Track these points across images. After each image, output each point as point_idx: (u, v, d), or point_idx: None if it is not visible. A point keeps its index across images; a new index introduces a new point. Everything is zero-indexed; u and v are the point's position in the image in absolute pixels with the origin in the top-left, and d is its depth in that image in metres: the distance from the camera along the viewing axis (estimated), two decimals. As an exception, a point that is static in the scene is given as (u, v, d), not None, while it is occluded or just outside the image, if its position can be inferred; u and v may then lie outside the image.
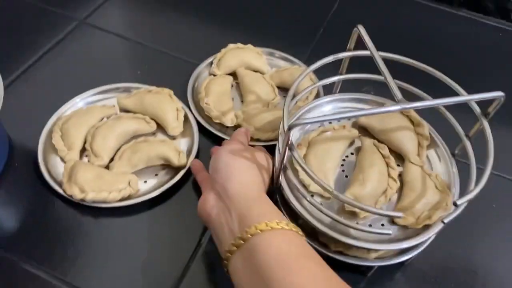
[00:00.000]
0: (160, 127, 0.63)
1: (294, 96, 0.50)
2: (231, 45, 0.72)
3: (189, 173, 0.59)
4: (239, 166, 0.48)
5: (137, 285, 0.50)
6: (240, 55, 0.71)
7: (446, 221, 0.45)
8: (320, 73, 0.63)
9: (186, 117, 0.63)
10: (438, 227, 0.47)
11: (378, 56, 0.49)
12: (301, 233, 0.43)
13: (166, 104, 0.63)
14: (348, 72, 0.58)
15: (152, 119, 0.63)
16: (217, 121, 0.64)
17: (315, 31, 0.81)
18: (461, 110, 0.52)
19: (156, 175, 0.59)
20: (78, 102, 0.64)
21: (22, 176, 0.58)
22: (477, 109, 0.50)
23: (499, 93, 0.47)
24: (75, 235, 0.54)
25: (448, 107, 0.54)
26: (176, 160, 0.58)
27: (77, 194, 0.54)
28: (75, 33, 0.76)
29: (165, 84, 0.66)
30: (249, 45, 0.73)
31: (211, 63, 0.71)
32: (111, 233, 0.54)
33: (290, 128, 0.43)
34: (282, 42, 0.76)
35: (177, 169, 0.58)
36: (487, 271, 0.54)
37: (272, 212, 0.44)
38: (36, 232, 0.54)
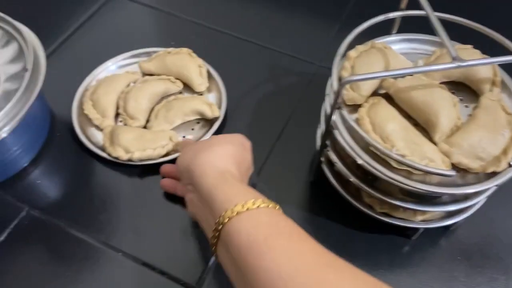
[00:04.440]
0: (186, 86, 0.64)
1: (344, 55, 0.49)
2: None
3: (223, 125, 0.60)
4: (202, 146, 0.45)
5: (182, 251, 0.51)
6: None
7: None
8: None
9: (208, 72, 0.65)
10: (504, 177, 0.43)
11: (434, 15, 0.46)
12: (277, 207, 0.39)
13: (188, 63, 0.63)
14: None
15: (177, 78, 0.64)
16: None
17: None
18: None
19: (193, 129, 0.61)
20: (99, 73, 0.65)
21: (64, 145, 0.59)
22: None
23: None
24: (116, 196, 0.55)
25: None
26: (209, 112, 0.60)
27: (123, 155, 0.56)
28: (110, 4, 0.77)
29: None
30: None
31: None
32: (156, 191, 0.55)
33: (342, 84, 0.41)
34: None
35: (211, 122, 0.60)
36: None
37: (237, 192, 0.39)
38: (81, 197, 0.55)
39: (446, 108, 0.46)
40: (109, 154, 0.56)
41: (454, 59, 0.42)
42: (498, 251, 0.52)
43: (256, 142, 0.60)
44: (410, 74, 0.50)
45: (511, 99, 0.49)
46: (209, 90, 0.64)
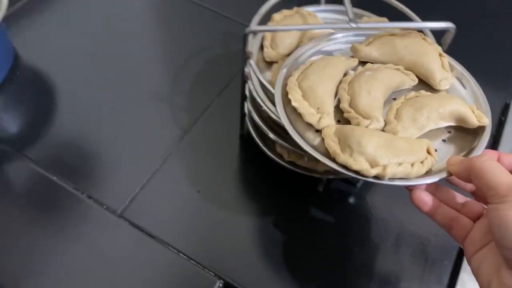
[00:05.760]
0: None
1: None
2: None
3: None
4: None
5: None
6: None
7: None
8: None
9: (450, 64, 0.50)
10: None
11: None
12: None
13: (427, 50, 0.49)
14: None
15: (407, 69, 0.50)
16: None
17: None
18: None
19: (444, 140, 0.45)
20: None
21: (25, 84, 0.64)
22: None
23: (449, 24, 0.48)
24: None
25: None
26: (474, 119, 0.44)
27: (367, 169, 0.39)
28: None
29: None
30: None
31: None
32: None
33: (246, 33, 0.47)
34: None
35: (467, 132, 0.45)
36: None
37: None
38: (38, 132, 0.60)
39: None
40: (342, 165, 0.40)
41: (350, 20, 0.48)
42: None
43: (196, 97, 0.65)
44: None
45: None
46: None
